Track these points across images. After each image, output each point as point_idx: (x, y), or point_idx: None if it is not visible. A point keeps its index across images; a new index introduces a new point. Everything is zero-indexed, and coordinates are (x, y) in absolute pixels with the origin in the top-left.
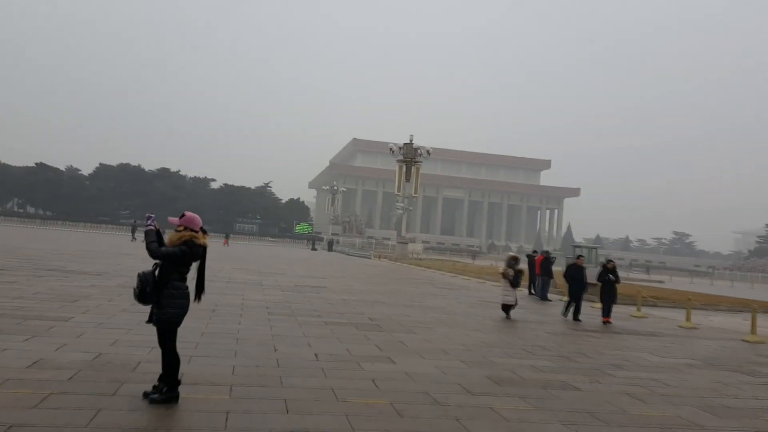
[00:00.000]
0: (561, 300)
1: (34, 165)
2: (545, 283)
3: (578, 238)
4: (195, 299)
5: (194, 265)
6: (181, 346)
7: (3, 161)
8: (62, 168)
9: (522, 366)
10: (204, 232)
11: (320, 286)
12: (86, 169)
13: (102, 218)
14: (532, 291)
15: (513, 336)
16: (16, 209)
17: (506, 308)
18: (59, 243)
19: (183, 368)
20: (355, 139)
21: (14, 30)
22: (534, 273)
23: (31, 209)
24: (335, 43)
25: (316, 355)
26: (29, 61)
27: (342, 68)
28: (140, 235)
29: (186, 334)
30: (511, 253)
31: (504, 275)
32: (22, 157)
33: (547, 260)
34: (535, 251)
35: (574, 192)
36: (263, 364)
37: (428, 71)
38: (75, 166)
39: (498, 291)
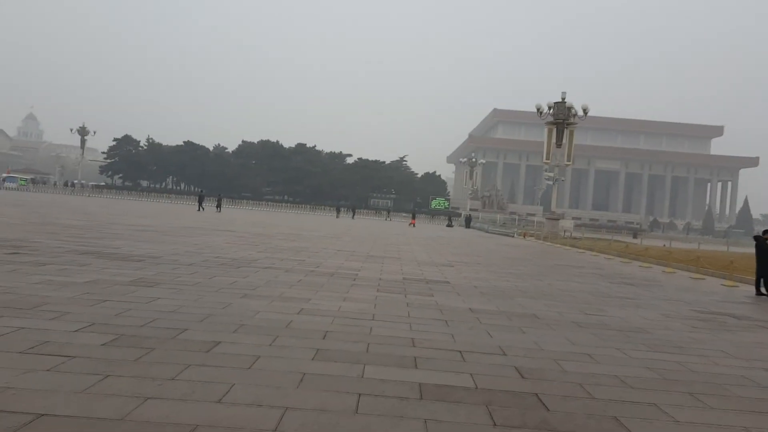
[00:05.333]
0: None
1: (183, 144)
2: None
3: (756, 214)
4: None
5: None
6: None
7: (157, 141)
8: (209, 147)
9: None
10: None
11: (440, 281)
12: (231, 147)
13: (245, 194)
14: (763, 290)
15: None
16: (171, 186)
17: None
18: (170, 218)
19: None
20: (495, 110)
21: (166, 22)
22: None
23: (183, 186)
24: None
25: None
26: (180, 52)
27: (483, 34)
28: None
29: None
30: None
31: None
32: (172, 137)
33: None
34: (766, 231)
35: (752, 162)
36: None
37: (576, 34)
38: (222, 144)
39: (706, 288)
